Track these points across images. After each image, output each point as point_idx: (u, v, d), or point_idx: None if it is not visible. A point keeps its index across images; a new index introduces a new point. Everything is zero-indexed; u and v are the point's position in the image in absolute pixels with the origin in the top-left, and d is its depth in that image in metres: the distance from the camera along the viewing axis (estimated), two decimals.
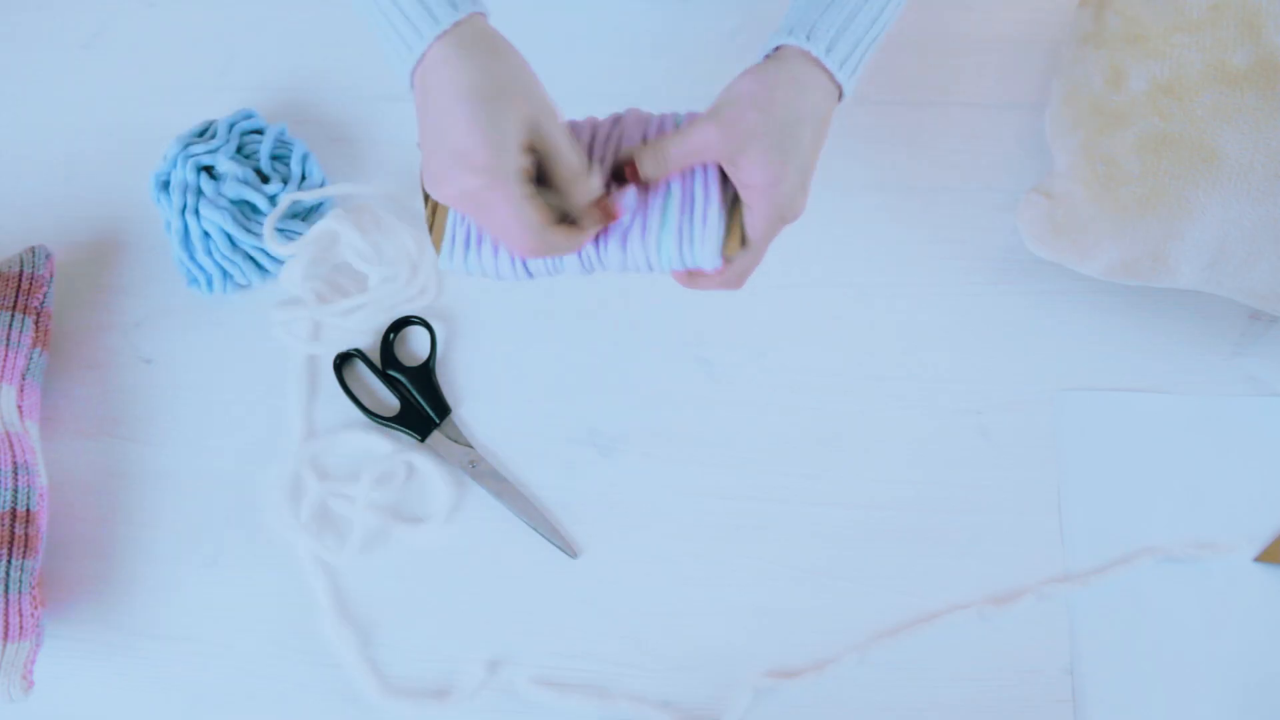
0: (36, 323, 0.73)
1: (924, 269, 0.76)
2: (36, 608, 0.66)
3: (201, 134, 0.77)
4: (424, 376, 0.74)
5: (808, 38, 0.56)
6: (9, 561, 0.65)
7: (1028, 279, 0.76)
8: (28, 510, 0.67)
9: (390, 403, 0.75)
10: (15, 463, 0.67)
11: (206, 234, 0.74)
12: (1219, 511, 0.69)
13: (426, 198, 0.60)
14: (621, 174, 0.57)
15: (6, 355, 0.71)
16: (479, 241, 0.58)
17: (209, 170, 0.75)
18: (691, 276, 0.59)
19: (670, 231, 0.57)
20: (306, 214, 0.77)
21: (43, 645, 0.67)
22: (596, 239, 0.57)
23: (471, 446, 0.73)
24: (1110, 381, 0.73)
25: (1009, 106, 0.80)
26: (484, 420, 0.74)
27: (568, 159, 0.53)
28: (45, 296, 0.74)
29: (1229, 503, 0.70)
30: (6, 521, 0.66)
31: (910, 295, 0.76)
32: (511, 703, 0.67)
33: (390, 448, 0.73)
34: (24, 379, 0.71)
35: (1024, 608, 0.67)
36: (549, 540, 0.70)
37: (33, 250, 0.75)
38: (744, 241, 0.57)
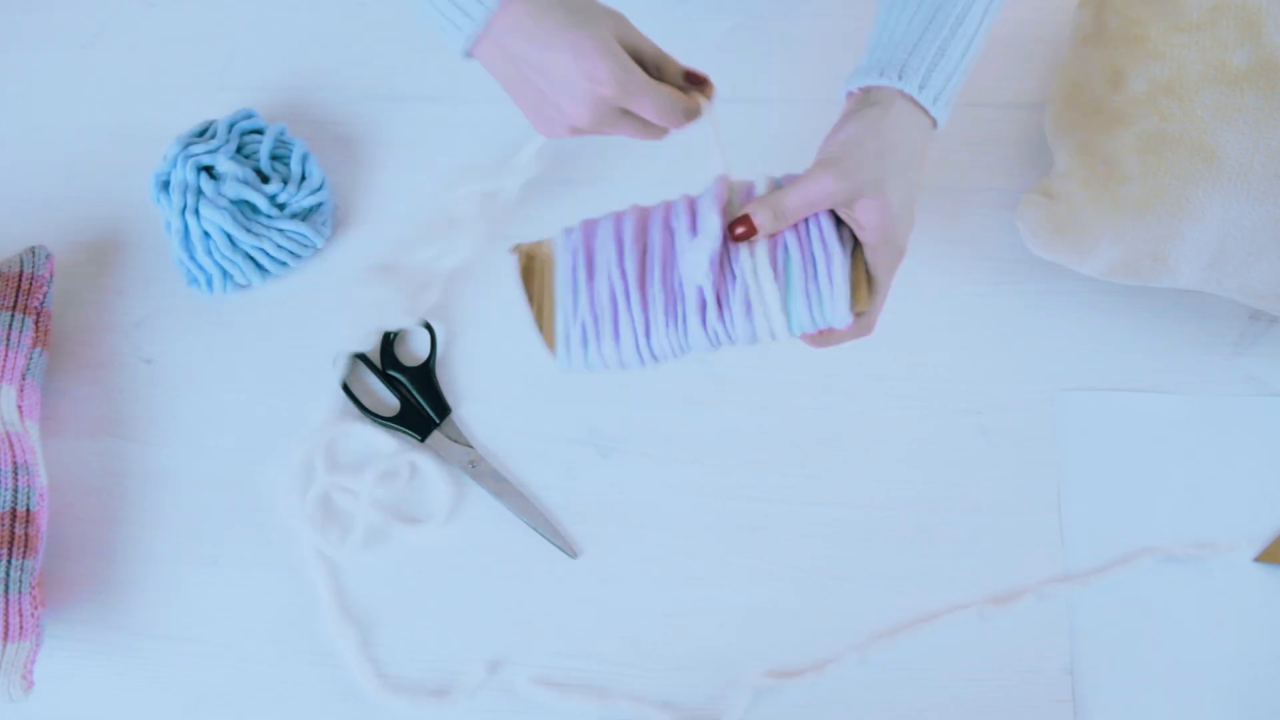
0: (36, 323, 0.73)
1: (924, 269, 0.76)
2: (36, 608, 0.66)
3: (201, 134, 0.77)
4: (424, 376, 0.74)
5: (900, 77, 0.57)
6: (9, 561, 0.65)
7: (1028, 279, 0.76)
8: (28, 510, 0.67)
9: (390, 403, 0.75)
10: (15, 463, 0.67)
11: (206, 234, 0.74)
12: (1219, 511, 0.69)
13: (530, 299, 0.60)
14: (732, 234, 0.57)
15: (6, 355, 0.71)
16: (596, 335, 0.57)
17: (209, 170, 0.75)
18: (823, 335, 0.60)
19: (797, 296, 0.56)
20: (307, 214, 0.77)
21: (43, 645, 0.67)
22: (720, 312, 0.56)
23: (471, 446, 0.73)
24: (1110, 381, 0.73)
25: (1009, 106, 0.80)
26: (484, 420, 0.74)
27: (648, 47, 0.60)
28: (45, 296, 0.74)
29: (1229, 503, 0.70)
30: (6, 521, 0.66)
31: (910, 295, 0.75)
32: (511, 703, 0.67)
33: (395, 446, 0.73)
34: (24, 379, 0.71)
35: (1024, 608, 0.67)
36: (549, 540, 0.70)
37: (33, 250, 0.75)
38: (870, 289, 0.57)
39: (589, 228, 0.60)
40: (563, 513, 0.71)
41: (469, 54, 0.59)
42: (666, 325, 0.57)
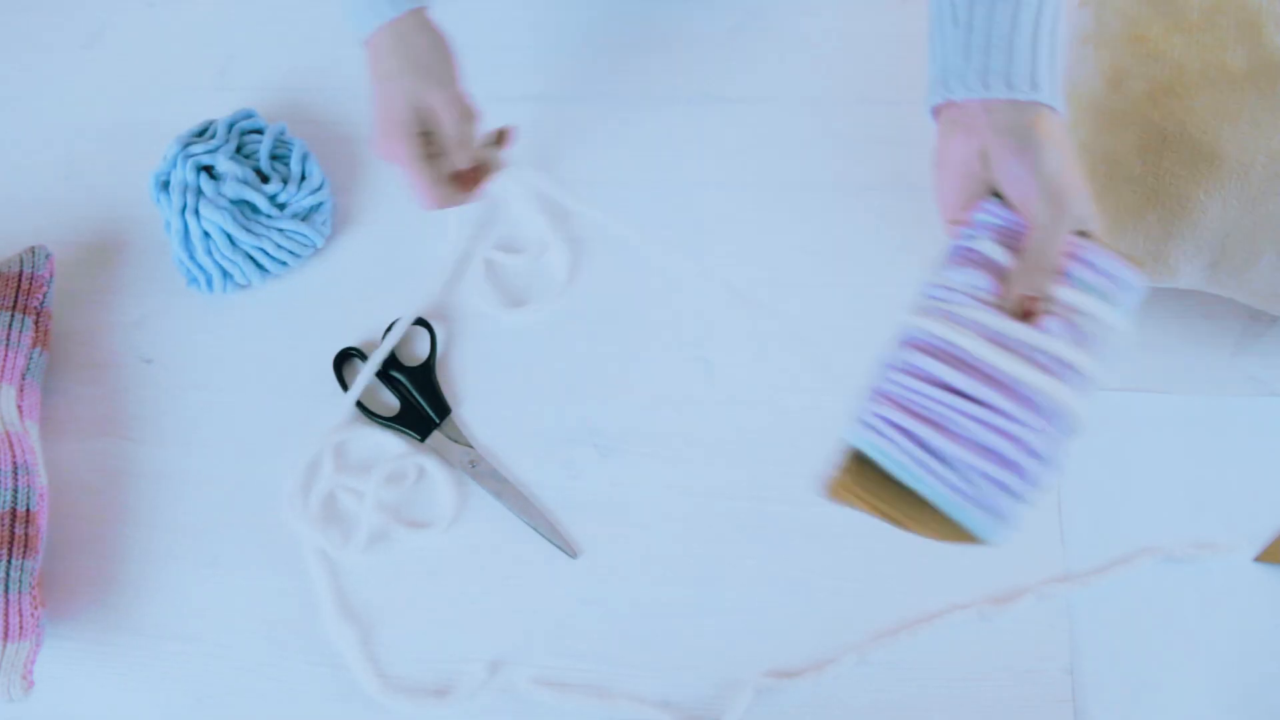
0: (36, 323, 0.73)
1: (924, 269, 0.76)
2: (36, 608, 0.66)
3: (201, 134, 0.77)
4: (424, 376, 0.74)
5: (1031, 87, 0.54)
6: (9, 561, 0.65)
7: None
8: (28, 510, 0.67)
9: (390, 403, 0.75)
10: (15, 463, 0.67)
11: (206, 234, 0.74)
12: (1219, 511, 0.69)
13: (882, 515, 0.52)
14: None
15: (6, 355, 0.71)
16: (1004, 479, 0.49)
17: (209, 170, 0.75)
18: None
19: (1112, 304, 0.52)
20: (307, 214, 0.77)
21: (43, 645, 0.67)
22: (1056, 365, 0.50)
23: (471, 446, 0.73)
24: (1110, 381, 0.73)
25: None
26: (484, 420, 0.74)
27: (444, 126, 0.67)
28: (45, 296, 0.74)
29: (1229, 503, 0.69)
30: (6, 521, 0.66)
31: (911, 295, 0.75)
32: (511, 703, 0.67)
33: (403, 448, 0.73)
34: (24, 379, 0.71)
35: (1024, 608, 0.67)
36: (549, 540, 0.70)
37: (33, 250, 0.75)
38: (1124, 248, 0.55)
39: (880, 399, 0.52)
40: (563, 513, 0.71)
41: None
42: (1018, 407, 0.49)
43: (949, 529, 0.50)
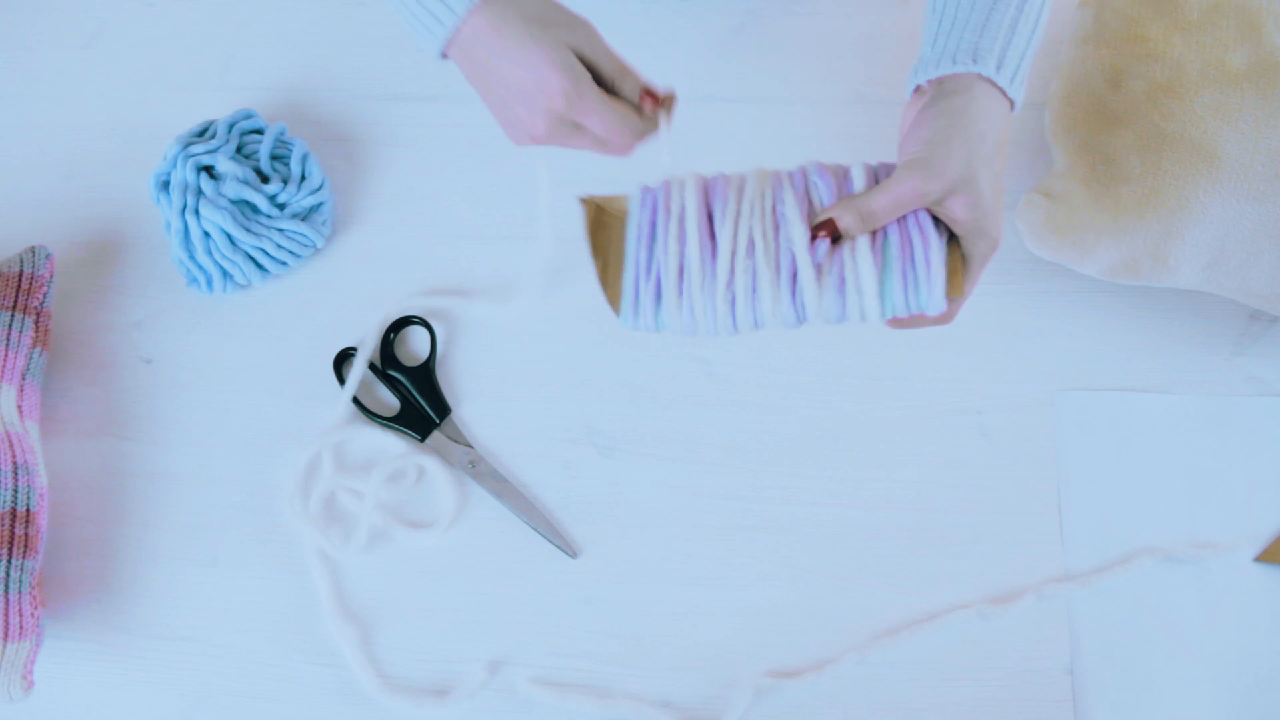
0: (36, 323, 0.73)
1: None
2: (36, 608, 0.66)
3: (201, 134, 0.77)
4: (424, 376, 0.74)
5: (974, 60, 0.55)
6: (9, 561, 0.65)
7: (1028, 279, 0.76)
8: (28, 510, 0.67)
9: (390, 403, 0.75)
10: (15, 463, 0.67)
11: (206, 234, 0.74)
12: (1219, 511, 0.69)
13: (595, 250, 0.58)
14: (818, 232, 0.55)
15: (6, 355, 0.71)
16: (677, 293, 0.55)
17: (209, 170, 0.75)
18: (909, 320, 0.58)
19: (894, 279, 0.54)
20: (307, 214, 0.77)
21: (43, 645, 0.67)
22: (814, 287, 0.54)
23: (471, 446, 0.73)
24: (1110, 381, 0.73)
25: None
26: (484, 420, 0.74)
27: (607, 62, 0.58)
28: (45, 296, 0.74)
29: (1229, 503, 0.70)
30: (6, 521, 0.66)
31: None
32: (511, 703, 0.67)
33: (404, 448, 0.73)
34: (24, 379, 0.71)
35: (1024, 608, 0.67)
36: (549, 540, 0.70)
37: (33, 250, 0.75)
38: (964, 277, 0.56)
39: (672, 186, 0.57)
40: (563, 513, 0.71)
41: (443, 56, 0.60)
42: (752, 292, 0.54)
43: (613, 296, 0.57)
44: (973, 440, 0.72)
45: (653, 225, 0.57)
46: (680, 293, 0.55)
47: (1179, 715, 0.65)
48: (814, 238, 0.54)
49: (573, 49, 0.57)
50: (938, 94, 0.56)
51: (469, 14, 0.57)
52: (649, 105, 0.58)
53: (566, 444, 0.73)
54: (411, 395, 0.74)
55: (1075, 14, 0.76)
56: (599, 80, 0.58)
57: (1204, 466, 0.70)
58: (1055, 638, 0.67)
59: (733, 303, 0.55)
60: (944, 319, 0.59)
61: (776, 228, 0.55)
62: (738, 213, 0.56)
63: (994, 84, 0.55)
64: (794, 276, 0.54)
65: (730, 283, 0.55)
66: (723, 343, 0.75)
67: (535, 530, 0.70)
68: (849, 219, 0.54)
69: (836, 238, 0.54)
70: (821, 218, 0.54)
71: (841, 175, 0.56)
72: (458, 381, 0.75)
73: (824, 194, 0.55)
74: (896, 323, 0.59)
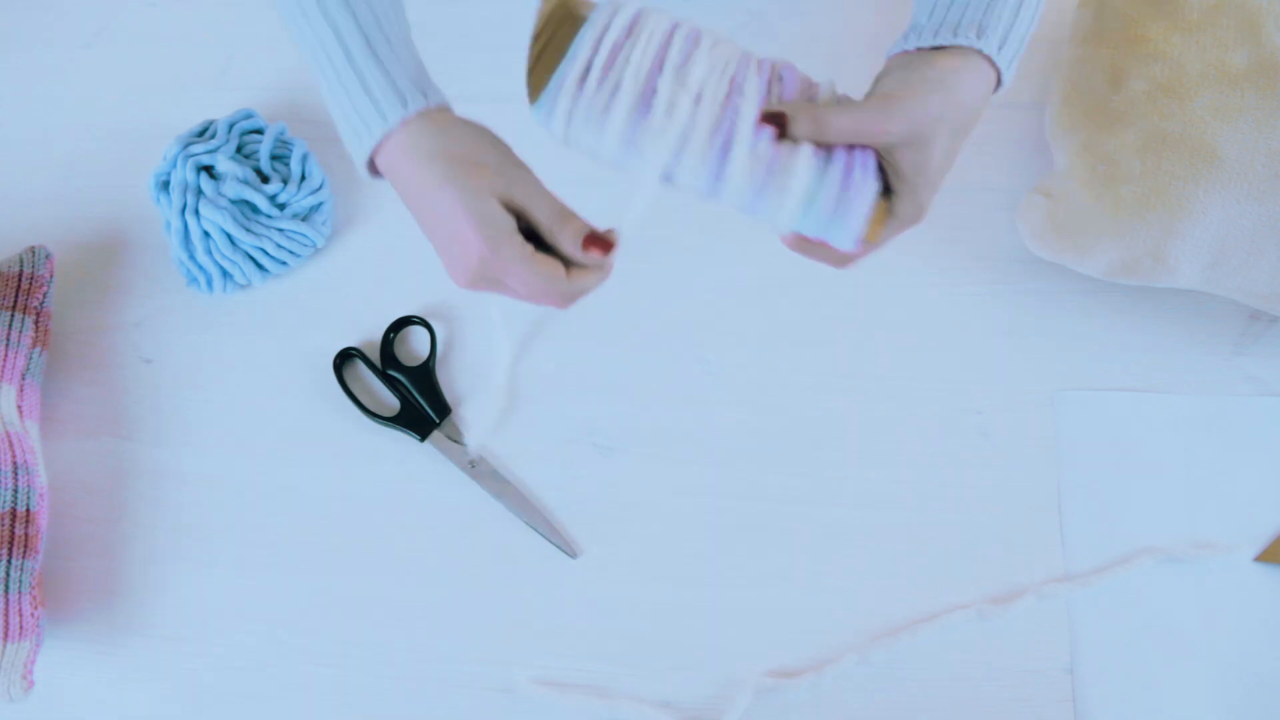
0: (36, 323, 0.73)
1: (924, 269, 0.76)
2: (36, 608, 0.66)
3: (201, 134, 0.77)
4: (424, 376, 0.74)
5: (979, 35, 0.53)
6: (9, 561, 0.65)
7: (1028, 279, 0.76)
8: (28, 510, 0.67)
9: (390, 403, 0.75)
10: (15, 463, 0.67)
11: (206, 234, 0.74)
12: (1219, 511, 0.69)
13: (538, 34, 0.53)
14: (769, 118, 0.52)
15: (6, 355, 0.71)
16: (605, 102, 0.51)
17: (209, 170, 0.75)
18: (807, 243, 0.56)
19: (822, 196, 0.52)
20: (307, 214, 0.77)
21: (43, 645, 0.67)
22: (745, 161, 0.52)
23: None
24: (1110, 381, 0.73)
25: (1009, 106, 0.80)
26: (484, 420, 0.74)
27: (543, 209, 0.53)
28: (45, 296, 0.74)
29: (1229, 503, 0.70)
30: (6, 521, 0.66)
31: (910, 295, 0.76)
32: (511, 703, 0.67)
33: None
34: (24, 379, 0.71)
35: (1024, 608, 0.67)
36: (549, 540, 0.70)
37: (33, 250, 0.75)
38: (881, 228, 0.54)
39: (647, 11, 0.54)
40: (563, 513, 0.71)
41: (372, 173, 0.55)
42: (682, 136, 0.51)
43: (537, 83, 0.53)
44: (973, 440, 0.72)
45: (607, 29, 0.52)
46: (607, 106, 0.51)
47: (1179, 715, 0.65)
48: (762, 121, 0.52)
49: (500, 196, 0.52)
50: (928, 58, 0.54)
51: (389, 134, 0.53)
52: (595, 254, 0.53)
53: (566, 444, 0.73)
54: (411, 395, 0.74)
55: (1075, 14, 0.76)
56: (533, 229, 0.53)
57: (1204, 466, 0.70)
58: (1055, 638, 0.67)
59: (656, 136, 0.51)
60: (843, 260, 0.57)
61: (729, 94, 0.52)
62: (698, 60, 0.52)
63: (992, 63, 0.54)
64: (728, 145, 0.52)
65: (664, 114, 0.51)
66: (721, 343, 0.75)
67: (535, 530, 0.70)
68: (803, 122, 0.52)
69: (782, 134, 0.52)
70: (778, 109, 0.52)
71: (809, 85, 0.54)
72: (458, 381, 0.75)
73: (787, 93, 0.54)
74: (797, 242, 0.56)
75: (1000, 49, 0.54)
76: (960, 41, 0.53)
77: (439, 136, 0.53)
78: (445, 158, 0.52)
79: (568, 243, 0.53)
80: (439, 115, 0.54)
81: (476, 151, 0.53)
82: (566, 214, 0.53)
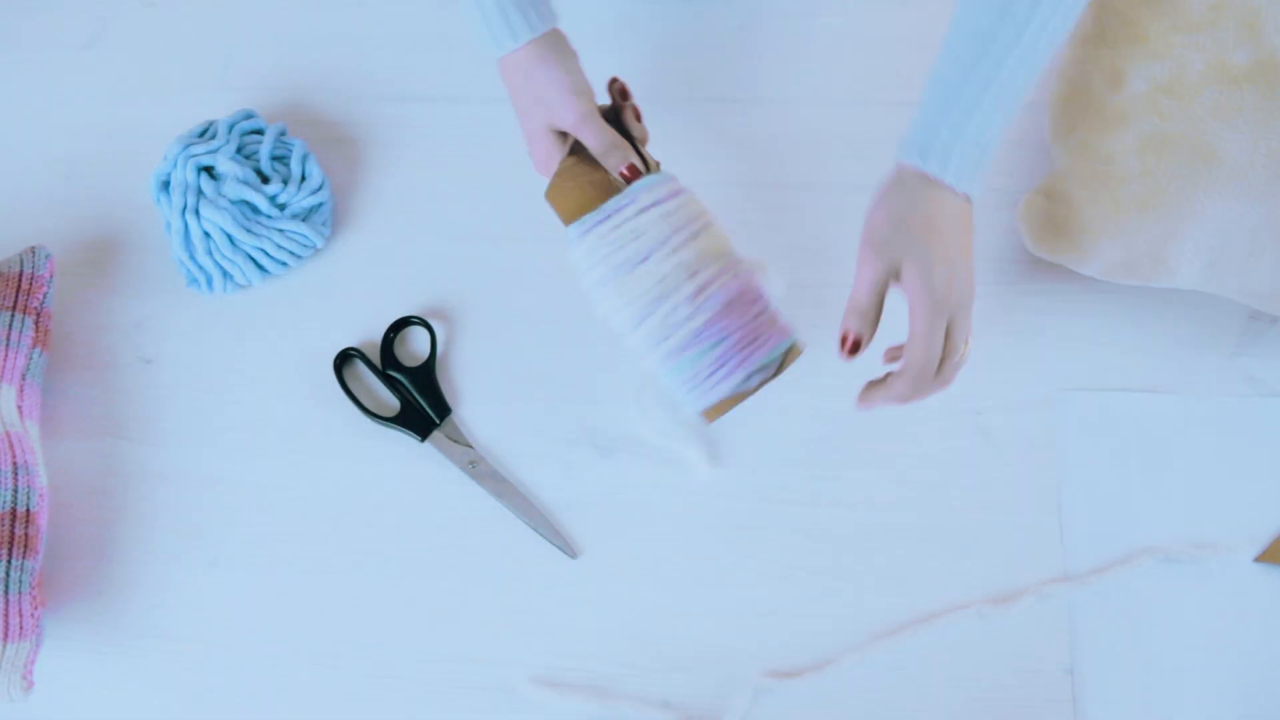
0: (36, 323, 0.73)
1: None
2: (36, 608, 0.66)
3: (202, 134, 0.77)
4: (424, 376, 0.74)
5: (923, 160, 0.59)
6: (9, 561, 0.65)
7: (1028, 279, 0.76)
8: (28, 510, 0.67)
9: (390, 403, 0.75)
10: (15, 463, 0.67)
11: (207, 234, 0.74)
12: (1219, 511, 0.69)
13: (573, 150, 0.68)
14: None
15: (6, 355, 0.71)
16: (611, 255, 0.65)
17: (209, 170, 0.75)
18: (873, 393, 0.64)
19: (686, 375, 0.65)
20: (307, 215, 0.77)
21: (43, 645, 0.67)
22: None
23: (471, 446, 0.73)
24: (1110, 381, 0.73)
25: None
26: (484, 420, 0.74)
27: (590, 140, 0.66)
28: (45, 296, 0.74)
29: (1229, 503, 0.69)
30: (6, 521, 0.66)
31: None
32: (511, 703, 0.67)
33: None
34: (24, 379, 0.71)
35: (1024, 608, 0.67)
36: (549, 540, 0.70)
37: (33, 250, 0.75)
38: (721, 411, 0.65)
39: (673, 209, 0.66)
40: (563, 513, 0.71)
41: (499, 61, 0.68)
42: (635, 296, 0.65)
43: (567, 197, 0.67)
44: (973, 440, 0.72)
45: (621, 215, 0.65)
46: (608, 255, 0.65)
47: (1179, 715, 0.65)
48: (846, 349, 0.62)
49: (552, 128, 0.67)
50: (902, 177, 0.60)
51: (530, 42, 0.66)
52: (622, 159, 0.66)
53: (566, 444, 0.73)
54: (411, 395, 0.74)
55: None
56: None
57: (1204, 466, 0.70)
58: (1055, 638, 0.67)
59: (620, 289, 0.65)
60: (940, 385, 0.62)
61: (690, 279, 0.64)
62: (689, 248, 0.65)
63: (940, 181, 0.59)
64: (675, 350, 0.64)
65: (650, 302, 0.64)
66: None
67: (535, 530, 0.70)
68: (858, 326, 0.62)
69: (856, 346, 0.62)
70: (844, 334, 0.62)
71: (752, 294, 0.66)
72: (458, 381, 0.75)
73: (725, 293, 0.65)
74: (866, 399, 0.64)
75: (944, 171, 0.59)
76: (912, 163, 0.59)
77: (523, 73, 0.67)
78: (520, 95, 0.68)
79: (612, 169, 0.67)
80: (539, 44, 0.66)
81: (545, 91, 0.66)
82: (612, 146, 0.66)
